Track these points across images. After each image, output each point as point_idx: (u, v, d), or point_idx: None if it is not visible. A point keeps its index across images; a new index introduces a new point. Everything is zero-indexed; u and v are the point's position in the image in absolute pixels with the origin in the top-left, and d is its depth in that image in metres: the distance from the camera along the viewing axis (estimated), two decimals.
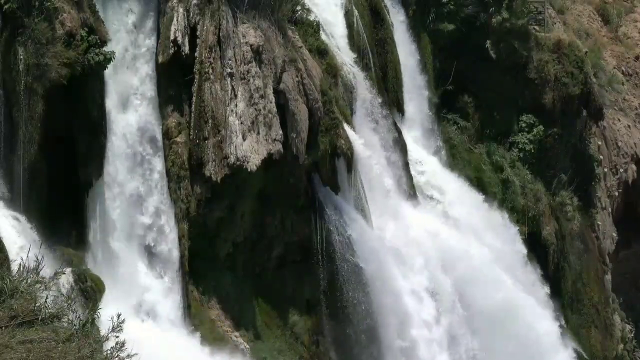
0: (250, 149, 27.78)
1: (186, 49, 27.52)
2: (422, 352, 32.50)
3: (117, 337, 11.01)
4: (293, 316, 30.44)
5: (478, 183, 39.55)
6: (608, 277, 45.58)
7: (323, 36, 33.11)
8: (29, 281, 11.39)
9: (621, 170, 47.66)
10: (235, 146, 27.58)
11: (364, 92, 34.37)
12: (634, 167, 48.34)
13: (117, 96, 26.58)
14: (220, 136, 27.61)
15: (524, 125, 41.92)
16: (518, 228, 39.43)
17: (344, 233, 30.87)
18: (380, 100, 35.05)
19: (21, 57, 23.56)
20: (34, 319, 11.08)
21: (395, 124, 35.82)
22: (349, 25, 35.02)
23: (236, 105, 27.92)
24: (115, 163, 26.28)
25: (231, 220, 28.89)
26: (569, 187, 43.15)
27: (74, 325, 11.21)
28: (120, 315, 11.14)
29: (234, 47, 28.12)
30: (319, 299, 30.99)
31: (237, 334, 28.67)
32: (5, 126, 23.79)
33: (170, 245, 27.40)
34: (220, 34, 27.99)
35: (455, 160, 39.64)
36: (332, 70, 32.58)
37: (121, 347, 10.74)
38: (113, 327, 10.92)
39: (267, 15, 29.28)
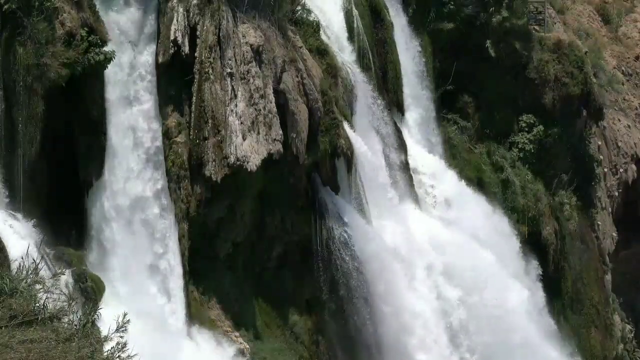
0: (250, 149, 27.77)
1: (186, 49, 27.50)
2: (422, 351, 32.48)
3: (121, 337, 10.96)
4: (293, 316, 30.43)
5: (478, 183, 39.54)
6: (608, 277, 45.57)
7: (323, 36, 33.10)
8: (28, 281, 11.36)
9: (621, 170, 47.65)
10: (235, 146, 27.56)
11: (364, 92, 34.35)
12: (634, 167, 48.33)
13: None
14: (220, 136, 27.59)
15: (524, 125, 41.93)
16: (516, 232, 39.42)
17: (344, 233, 30.86)
18: (380, 100, 35.04)
19: (21, 57, 23.53)
20: (33, 318, 11.06)
21: (395, 124, 35.81)
22: (349, 26, 35.01)
23: (236, 105, 27.90)
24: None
25: (231, 220, 28.87)
26: (569, 187, 43.14)
27: (74, 325, 11.17)
28: (125, 314, 11.09)
29: (234, 47, 28.11)
30: (319, 299, 30.98)
31: (237, 334, 28.66)
32: (5, 126, 23.77)
33: (170, 245, 27.38)
34: (220, 34, 27.98)
35: (455, 160, 39.62)
36: (332, 70, 32.57)
37: (123, 347, 10.70)
38: (117, 327, 10.87)
39: (267, 15, 29.27)
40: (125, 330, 10.87)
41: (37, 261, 11.64)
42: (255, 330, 29.33)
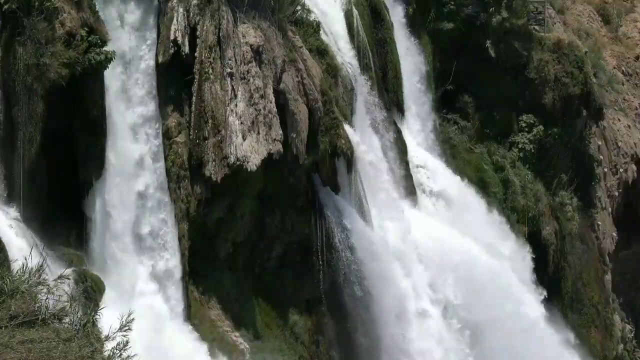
0: (250, 149, 27.77)
1: (186, 49, 27.50)
2: (422, 350, 32.48)
3: (124, 335, 10.94)
4: (293, 316, 30.43)
5: (479, 183, 39.54)
6: (608, 277, 45.56)
7: (323, 36, 33.11)
8: (30, 282, 11.35)
9: (621, 170, 47.63)
10: (235, 146, 27.56)
11: (364, 92, 34.36)
12: (634, 167, 48.31)
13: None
14: (220, 136, 27.60)
15: (524, 125, 41.92)
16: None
17: (344, 233, 30.86)
18: (380, 100, 35.03)
19: (21, 57, 23.52)
20: (34, 319, 11.05)
21: (395, 124, 35.82)
22: (349, 25, 34.99)
23: (236, 105, 27.91)
24: None
25: (231, 220, 28.87)
26: (569, 187, 43.14)
27: (75, 325, 11.16)
28: (130, 314, 11.07)
29: (234, 47, 28.11)
30: (319, 299, 30.99)
31: (237, 334, 28.66)
32: (5, 126, 23.76)
33: (170, 245, 27.37)
34: (220, 34, 27.98)
35: (455, 160, 39.63)
36: (332, 70, 32.58)
37: (125, 346, 10.69)
38: (120, 325, 10.86)
39: (267, 15, 29.28)
40: (129, 329, 10.87)
41: (40, 262, 11.62)
42: (255, 330, 29.33)
